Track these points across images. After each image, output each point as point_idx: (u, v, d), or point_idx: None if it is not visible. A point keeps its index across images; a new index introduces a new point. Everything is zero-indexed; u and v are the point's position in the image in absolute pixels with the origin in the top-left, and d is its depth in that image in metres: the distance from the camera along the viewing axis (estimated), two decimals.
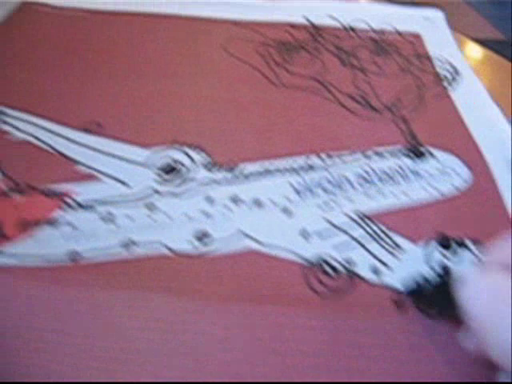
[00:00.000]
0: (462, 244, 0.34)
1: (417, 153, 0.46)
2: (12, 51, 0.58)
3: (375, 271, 0.36)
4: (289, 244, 0.37)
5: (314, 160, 0.44)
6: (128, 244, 0.37)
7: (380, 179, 0.43)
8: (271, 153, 0.45)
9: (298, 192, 0.42)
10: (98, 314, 0.32)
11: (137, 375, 0.29)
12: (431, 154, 0.46)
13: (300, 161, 0.44)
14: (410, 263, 0.36)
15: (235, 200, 0.41)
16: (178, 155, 0.44)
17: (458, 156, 0.45)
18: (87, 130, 0.46)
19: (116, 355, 0.30)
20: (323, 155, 0.45)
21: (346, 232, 0.38)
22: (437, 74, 0.57)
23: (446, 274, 0.31)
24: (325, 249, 0.37)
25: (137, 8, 0.65)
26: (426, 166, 0.45)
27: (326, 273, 0.35)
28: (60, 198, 0.40)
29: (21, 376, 0.29)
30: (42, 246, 0.37)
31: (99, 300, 0.33)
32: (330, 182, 0.42)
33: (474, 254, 0.33)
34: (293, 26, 0.65)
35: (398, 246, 0.37)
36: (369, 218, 0.39)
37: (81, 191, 0.42)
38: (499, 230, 0.29)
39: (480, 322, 0.23)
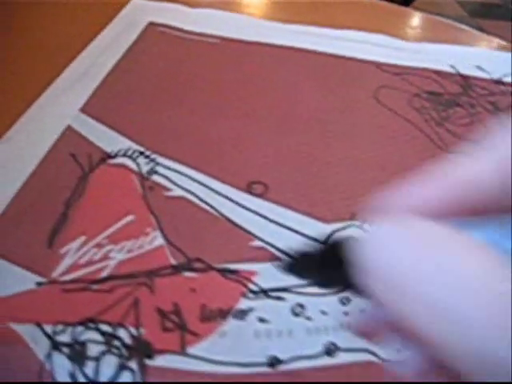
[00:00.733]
0: None
1: None
2: (145, 79, 0.54)
3: None
4: None
5: None
6: (331, 350, 0.33)
7: None
8: None
9: None
10: None
11: None
12: None
13: None
14: None
15: None
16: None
17: None
18: (251, 192, 0.38)
19: None
20: None
21: None
22: None
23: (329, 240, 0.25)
24: None
25: (274, 39, 0.61)
26: None
27: None
28: (240, 281, 0.33)
29: None
30: (235, 347, 0.32)
31: None
32: None
33: None
34: (439, 73, 0.60)
35: None
36: None
37: (261, 272, 0.36)
38: None
39: (393, 277, 0.16)
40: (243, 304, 0.34)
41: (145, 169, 0.40)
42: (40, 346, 0.30)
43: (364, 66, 0.59)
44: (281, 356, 0.31)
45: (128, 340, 0.30)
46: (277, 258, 0.35)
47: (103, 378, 0.29)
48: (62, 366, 0.29)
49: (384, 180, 0.44)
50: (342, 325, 0.33)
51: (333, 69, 0.55)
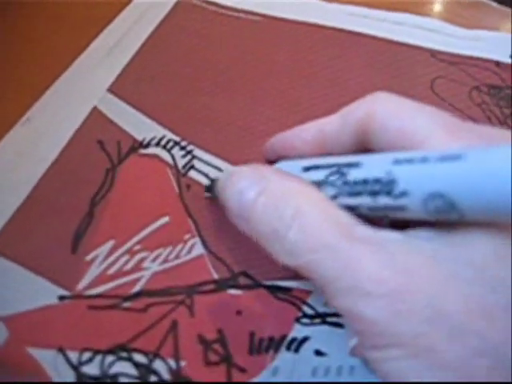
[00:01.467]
0: None
1: None
2: (179, 59, 0.48)
3: None
4: None
5: None
6: None
7: None
8: None
9: None
10: None
11: None
12: None
13: None
14: None
15: None
16: None
17: None
18: None
19: None
20: None
21: None
22: None
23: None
24: None
25: (320, 20, 0.55)
26: None
27: None
28: (293, 302, 0.31)
29: None
30: None
31: None
32: None
33: None
34: (499, 64, 0.54)
35: None
36: None
37: (316, 292, 0.31)
38: None
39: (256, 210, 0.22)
40: (297, 332, 0.29)
41: (181, 163, 0.35)
42: (63, 378, 0.24)
43: (418, 52, 0.53)
44: None
45: (166, 375, 0.25)
46: None
47: None
48: None
49: None
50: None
51: (384, 55, 0.49)
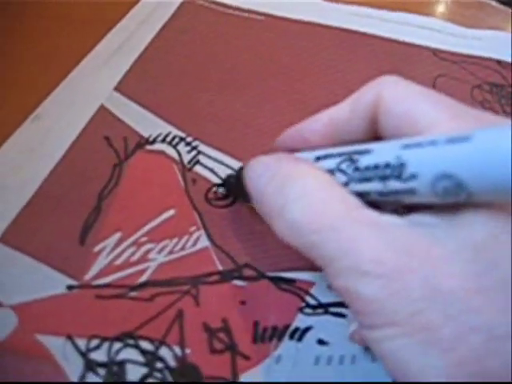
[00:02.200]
0: None
1: None
2: (185, 58, 0.49)
3: None
4: None
5: None
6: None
7: None
8: None
9: None
10: None
11: None
12: None
13: None
14: None
15: None
16: None
17: None
18: None
19: None
20: None
21: None
22: None
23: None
24: None
25: (322, 19, 0.56)
26: None
27: None
28: (297, 293, 0.32)
29: None
30: (293, 375, 0.28)
31: None
32: None
33: None
34: (500, 63, 0.55)
35: None
36: None
37: (319, 283, 0.32)
38: None
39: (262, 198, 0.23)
40: (300, 321, 0.30)
41: (186, 158, 0.35)
42: (72, 365, 0.25)
43: (420, 51, 0.53)
44: None
45: (172, 362, 0.25)
46: None
47: None
48: None
49: None
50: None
51: (386, 54, 0.50)
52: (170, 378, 0.26)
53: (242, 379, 0.26)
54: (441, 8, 0.61)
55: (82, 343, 0.27)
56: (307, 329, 0.29)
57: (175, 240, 0.31)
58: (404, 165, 0.18)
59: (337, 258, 0.18)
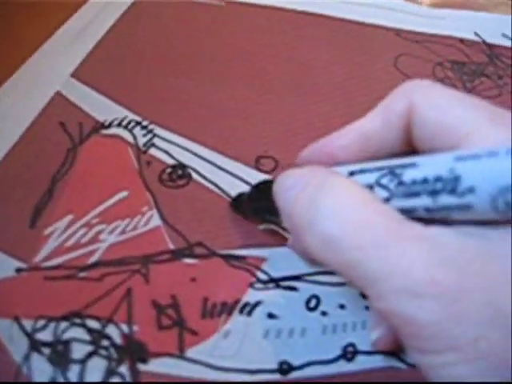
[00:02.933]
0: None
1: None
2: (143, 44, 0.49)
3: None
4: None
5: None
6: (350, 353, 0.28)
7: None
8: None
9: None
10: None
11: None
12: None
13: None
14: None
15: None
16: None
17: None
18: (259, 168, 0.33)
19: None
20: None
21: None
22: None
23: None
24: None
25: (284, 3, 0.54)
26: None
27: None
28: (248, 269, 0.32)
29: None
30: (241, 349, 0.28)
31: None
32: None
33: None
34: (462, 41, 0.55)
35: None
36: None
37: (271, 259, 0.32)
38: None
39: (291, 212, 0.21)
40: (250, 296, 0.29)
41: (142, 141, 0.35)
42: (17, 346, 0.25)
43: (382, 32, 0.53)
44: (293, 361, 0.27)
45: (118, 339, 0.25)
46: None
47: None
48: (41, 370, 0.25)
49: None
50: (364, 322, 0.28)
51: (349, 35, 0.50)
52: (115, 356, 0.25)
53: (188, 354, 0.26)
54: None
55: (28, 324, 0.27)
56: (257, 303, 0.28)
57: (127, 220, 0.31)
58: (459, 178, 0.17)
59: (383, 279, 0.16)
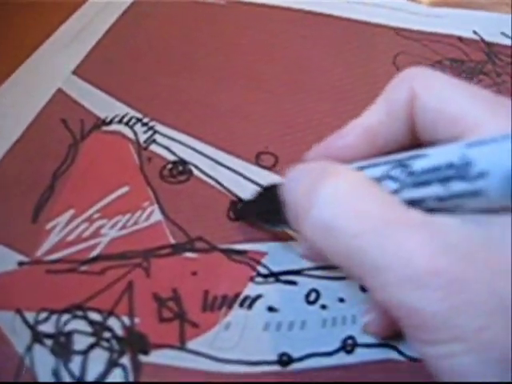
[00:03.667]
0: None
1: None
2: (144, 42, 0.49)
3: None
4: None
5: None
6: (349, 345, 0.29)
7: None
8: None
9: None
10: None
11: None
12: None
13: None
14: None
15: None
16: None
17: None
18: (259, 164, 0.33)
19: None
20: None
21: None
22: None
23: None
24: None
25: (284, 2, 0.55)
26: None
27: None
28: (248, 263, 0.32)
29: None
30: (241, 341, 0.29)
31: None
32: None
33: None
34: (461, 40, 0.55)
35: None
36: None
37: (271, 253, 0.32)
38: None
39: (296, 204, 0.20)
40: (251, 290, 0.30)
41: (143, 137, 0.36)
42: (20, 338, 0.25)
43: (382, 31, 0.53)
44: (293, 353, 0.27)
45: (120, 331, 0.26)
46: (289, 238, 0.30)
47: (91, 376, 0.26)
48: (43, 361, 0.25)
49: None
50: (362, 315, 0.28)
51: (348, 34, 0.50)
52: (117, 347, 0.26)
53: (189, 346, 0.26)
54: None
55: (30, 316, 0.27)
56: (258, 297, 0.29)
57: (128, 215, 0.32)
58: (470, 163, 0.16)
59: (383, 268, 0.16)
